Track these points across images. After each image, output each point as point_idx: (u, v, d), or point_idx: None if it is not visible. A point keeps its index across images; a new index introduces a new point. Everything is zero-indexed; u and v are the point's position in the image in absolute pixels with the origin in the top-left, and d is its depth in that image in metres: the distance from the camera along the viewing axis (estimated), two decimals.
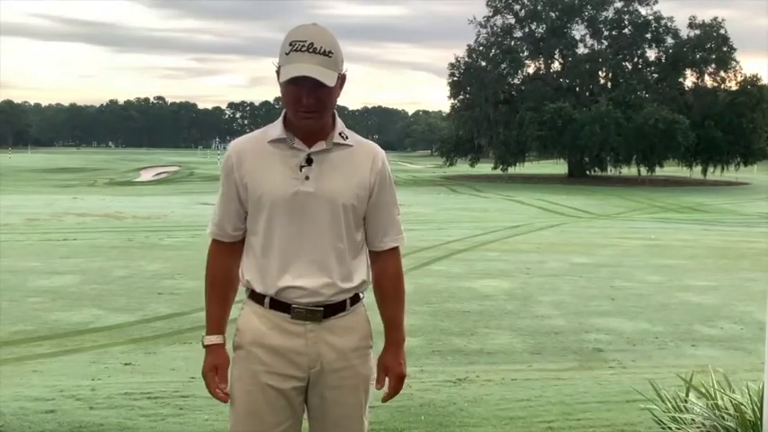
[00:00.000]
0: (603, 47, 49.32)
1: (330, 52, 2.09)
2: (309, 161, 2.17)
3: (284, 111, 2.22)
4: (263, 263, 2.22)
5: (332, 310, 2.22)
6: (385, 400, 2.38)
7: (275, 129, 2.22)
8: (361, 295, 2.31)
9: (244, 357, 2.25)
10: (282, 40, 2.14)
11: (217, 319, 2.31)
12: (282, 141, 2.19)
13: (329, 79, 2.08)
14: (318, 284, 2.19)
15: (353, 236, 2.24)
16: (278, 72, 2.16)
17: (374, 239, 2.30)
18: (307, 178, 2.16)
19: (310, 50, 2.07)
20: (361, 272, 2.28)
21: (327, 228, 2.19)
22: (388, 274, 2.33)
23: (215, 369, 2.26)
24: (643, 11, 48.62)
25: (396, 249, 2.33)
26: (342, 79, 2.18)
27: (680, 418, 3.47)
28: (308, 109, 2.11)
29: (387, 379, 2.36)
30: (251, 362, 2.23)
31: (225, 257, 2.30)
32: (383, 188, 2.26)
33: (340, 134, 2.21)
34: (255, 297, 2.25)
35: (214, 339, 2.29)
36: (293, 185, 2.16)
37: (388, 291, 2.34)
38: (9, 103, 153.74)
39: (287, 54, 2.09)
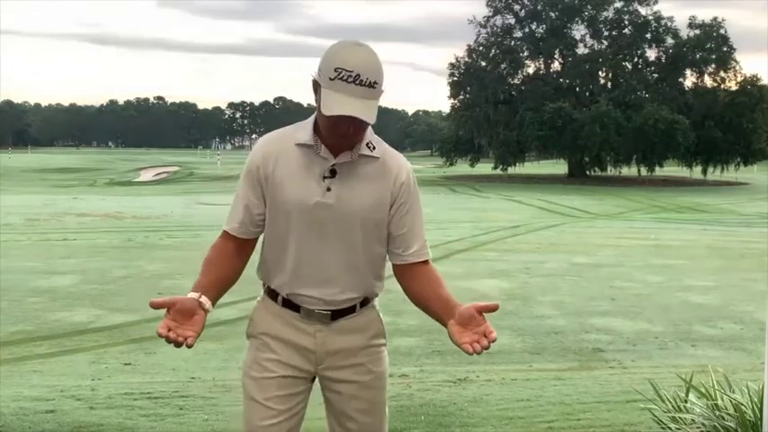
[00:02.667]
0: (603, 47, 49.26)
1: (375, 83, 2.02)
2: (333, 172, 2.14)
3: (315, 114, 2.16)
4: (277, 265, 2.23)
5: (340, 313, 2.24)
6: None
7: (304, 132, 2.16)
8: (371, 298, 2.31)
9: (255, 347, 2.29)
10: (326, 55, 2.05)
11: (201, 284, 2.14)
12: (309, 147, 2.15)
13: (371, 116, 2.02)
14: (328, 294, 2.21)
15: (371, 250, 2.22)
16: (316, 84, 2.08)
17: (397, 254, 2.25)
18: (329, 189, 2.14)
19: (356, 82, 1.99)
20: (376, 285, 2.28)
21: (344, 241, 2.17)
22: (425, 282, 2.21)
23: (174, 303, 2.04)
24: (643, 11, 48.60)
25: (426, 263, 2.26)
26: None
27: (680, 418, 3.47)
28: (348, 138, 2.08)
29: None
30: (261, 350, 2.27)
31: (235, 250, 2.22)
32: (407, 202, 2.22)
33: (367, 144, 2.16)
34: (270, 293, 2.29)
35: (192, 294, 2.10)
36: (314, 196, 2.14)
37: (432, 291, 2.20)
38: (9, 103, 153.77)
39: (331, 79, 2.00)
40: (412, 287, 2.25)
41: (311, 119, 2.17)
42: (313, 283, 2.20)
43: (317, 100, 2.08)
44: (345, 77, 1.99)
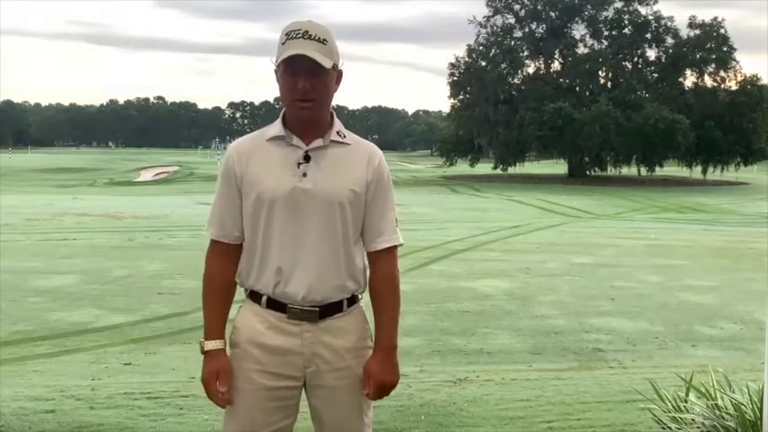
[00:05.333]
0: (603, 47, 49.27)
1: (325, 40, 2.13)
2: (307, 158, 2.18)
3: (283, 110, 2.23)
4: (261, 261, 2.22)
5: (328, 310, 2.22)
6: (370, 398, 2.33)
7: (274, 127, 2.23)
8: (359, 297, 2.30)
9: (239, 356, 2.25)
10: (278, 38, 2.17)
11: (216, 324, 2.27)
12: (281, 139, 2.20)
13: (325, 61, 2.11)
14: (315, 282, 2.19)
15: (352, 234, 2.23)
16: (276, 71, 2.18)
17: (368, 239, 2.27)
18: (304, 175, 2.17)
19: (305, 37, 2.11)
20: (360, 272, 2.28)
21: (325, 225, 2.18)
22: (382, 276, 2.28)
23: (216, 375, 2.22)
24: (643, 11, 48.62)
25: (391, 250, 2.28)
26: (339, 74, 2.21)
27: (680, 418, 3.47)
28: (305, 96, 2.12)
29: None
30: (245, 360, 2.23)
31: (225, 260, 2.27)
32: (379, 187, 2.25)
33: (338, 133, 2.22)
34: (253, 296, 2.26)
35: (215, 344, 2.25)
36: (291, 182, 2.16)
37: (382, 293, 2.28)
38: (9, 103, 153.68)
39: (283, 43, 2.12)
40: (371, 278, 2.30)
41: (280, 115, 2.24)
42: (300, 271, 2.18)
43: (280, 87, 2.18)
44: (294, 35, 2.12)
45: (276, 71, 2.17)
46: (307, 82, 2.11)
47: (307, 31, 2.11)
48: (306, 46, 2.09)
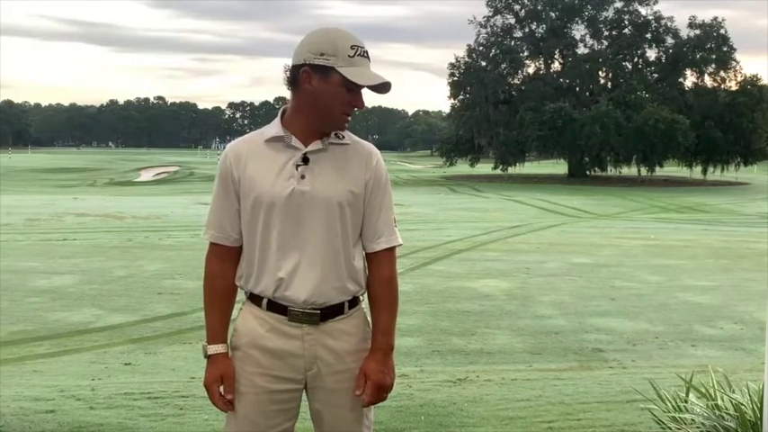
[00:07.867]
0: (603, 47, 49.28)
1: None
2: (306, 160, 2.16)
3: (282, 109, 2.22)
4: (260, 264, 2.20)
5: (329, 313, 2.21)
6: (364, 405, 2.28)
7: (272, 128, 2.21)
8: (360, 298, 2.29)
9: (240, 359, 2.24)
10: (326, 38, 2.12)
11: (219, 328, 2.25)
12: (279, 140, 2.18)
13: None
14: (316, 285, 2.17)
15: (351, 236, 2.21)
16: (320, 68, 2.10)
17: (367, 240, 2.26)
18: (303, 177, 2.15)
19: (367, 56, 2.15)
20: (360, 273, 2.26)
21: (324, 227, 2.17)
22: (381, 277, 2.26)
23: (220, 379, 2.21)
24: (643, 11, 48.63)
25: (390, 251, 2.27)
26: None
27: (680, 418, 3.47)
28: (351, 112, 2.19)
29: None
30: (246, 363, 2.22)
31: (224, 263, 2.26)
32: (377, 187, 2.24)
33: (336, 134, 2.21)
34: (253, 299, 2.24)
35: (218, 349, 2.23)
36: (289, 184, 2.15)
37: (380, 294, 2.26)
38: (9, 103, 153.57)
39: (350, 57, 2.11)
40: (370, 279, 2.29)
41: (278, 116, 2.23)
42: (300, 274, 2.17)
43: (318, 88, 2.12)
44: (362, 53, 2.14)
45: (308, 72, 2.11)
46: (360, 99, 2.19)
47: (366, 51, 2.15)
48: (370, 67, 2.15)
